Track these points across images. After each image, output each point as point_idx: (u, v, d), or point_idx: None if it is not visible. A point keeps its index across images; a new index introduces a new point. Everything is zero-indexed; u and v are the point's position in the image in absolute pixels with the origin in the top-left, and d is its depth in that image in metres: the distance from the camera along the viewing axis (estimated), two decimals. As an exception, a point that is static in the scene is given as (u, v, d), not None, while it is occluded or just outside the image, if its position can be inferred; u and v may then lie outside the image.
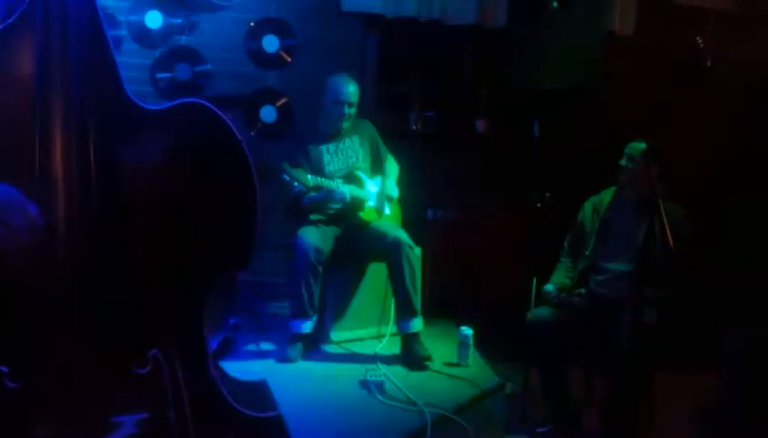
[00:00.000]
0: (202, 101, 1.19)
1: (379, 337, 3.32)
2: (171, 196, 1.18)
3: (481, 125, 4.12)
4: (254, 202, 1.21)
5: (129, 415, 1.15)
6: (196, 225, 1.21)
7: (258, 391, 1.45)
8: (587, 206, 3.10)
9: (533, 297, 3.12)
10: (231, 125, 1.20)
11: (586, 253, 3.02)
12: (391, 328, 3.29)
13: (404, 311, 3.08)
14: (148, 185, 1.17)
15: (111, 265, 1.14)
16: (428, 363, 3.02)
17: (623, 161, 2.96)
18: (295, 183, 2.91)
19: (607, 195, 3.07)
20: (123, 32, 3.39)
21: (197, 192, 1.20)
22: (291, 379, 2.83)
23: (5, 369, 1.07)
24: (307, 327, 3.06)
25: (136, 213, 1.16)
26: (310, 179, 2.96)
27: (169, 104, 1.18)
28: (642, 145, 2.90)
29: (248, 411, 1.29)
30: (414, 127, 4.04)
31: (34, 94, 1.09)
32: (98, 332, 1.13)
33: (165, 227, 1.19)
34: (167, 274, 1.19)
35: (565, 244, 3.16)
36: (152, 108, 1.17)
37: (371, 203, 3.27)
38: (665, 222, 2.42)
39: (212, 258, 1.23)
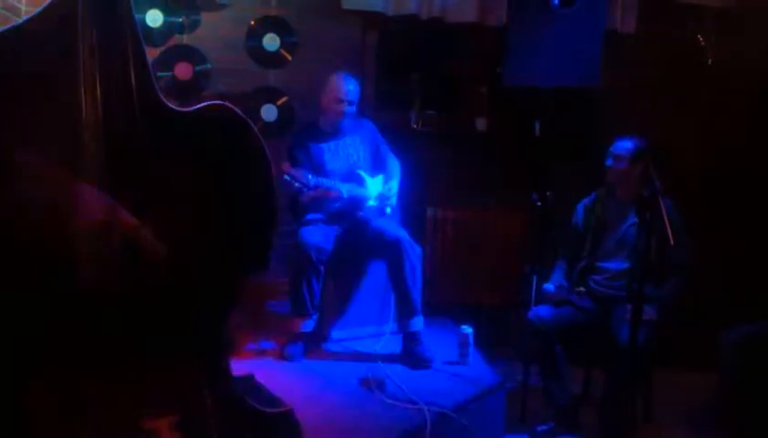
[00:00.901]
0: (227, 104, 1.20)
1: (380, 335, 3.33)
2: (202, 197, 1.19)
3: (481, 123, 4.11)
4: (275, 200, 1.22)
5: (158, 418, 1.15)
6: (225, 227, 1.22)
7: (257, 387, 1.46)
8: (580, 208, 3.11)
9: (533, 295, 3.13)
10: (254, 127, 1.21)
11: (584, 254, 3.02)
12: (392, 326, 3.30)
13: (405, 310, 3.09)
14: (179, 187, 1.18)
15: (144, 270, 1.13)
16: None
17: (608, 162, 2.97)
18: (296, 184, 2.91)
19: (599, 196, 3.08)
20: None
21: (226, 193, 1.21)
22: (291, 377, 2.84)
23: (36, 382, 1.06)
24: (308, 325, 3.07)
25: (166, 215, 1.16)
26: (311, 178, 2.96)
27: (195, 106, 1.18)
28: (628, 143, 2.91)
29: (265, 409, 1.30)
30: (414, 125, 4.04)
31: (68, 92, 1.07)
32: (129, 339, 1.13)
33: (195, 228, 1.19)
34: (195, 277, 1.20)
35: (560, 247, 3.17)
36: (181, 110, 1.17)
37: (371, 202, 3.27)
38: (665, 219, 2.42)
39: (236, 260, 1.23)
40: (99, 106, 1.09)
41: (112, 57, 1.10)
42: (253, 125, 1.21)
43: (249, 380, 1.50)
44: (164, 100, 1.15)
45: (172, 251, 1.16)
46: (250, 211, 1.23)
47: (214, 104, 1.19)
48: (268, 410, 1.33)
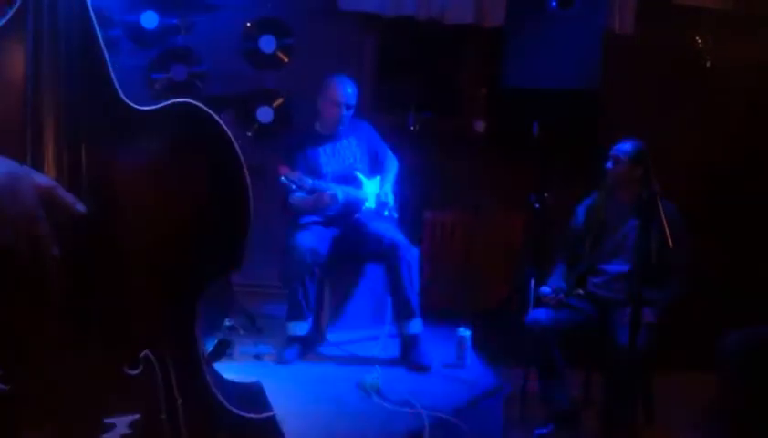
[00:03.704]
0: (194, 101, 1.19)
1: (377, 338, 3.30)
2: (163, 196, 1.18)
3: (479, 125, 4.10)
4: (247, 200, 1.21)
5: (121, 416, 1.14)
6: (188, 225, 1.20)
7: (252, 393, 1.44)
8: (580, 211, 3.10)
9: (531, 298, 3.11)
10: (222, 123, 1.20)
11: (583, 256, 3.01)
12: (389, 329, 3.27)
13: (403, 313, 3.06)
14: (140, 186, 1.17)
15: (104, 265, 1.13)
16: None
17: (609, 164, 2.95)
18: (293, 186, 2.89)
19: (598, 198, 3.06)
20: (118, 32, 3.38)
21: (189, 191, 1.20)
22: (288, 381, 2.81)
23: None
24: (304, 328, 3.04)
25: (128, 214, 1.15)
26: (308, 181, 2.94)
27: (160, 104, 1.17)
28: (627, 146, 2.90)
29: (242, 413, 1.28)
30: (412, 127, 4.02)
31: (24, 95, 1.08)
32: (90, 332, 1.13)
33: (157, 227, 1.18)
34: (159, 274, 1.19)
35: (559, 249, 3.15)
36: (144, 108, 1.16)
37: (368, 205, 3.25)
38: (664, 221, 2.40)
39: (204, 259, 1.22)
40: (56, 104, 1.08)
41: (70, 53, 1.10)
42: (220, 120, 1.20)
43: (252, 386, 1.47)
44: (125, 99, 1.14)
45: (141, 248, 1.15)
46: (220, 207, 1.22)
47: (180, 102, 1.18)
48: (245, 414, 1.30)
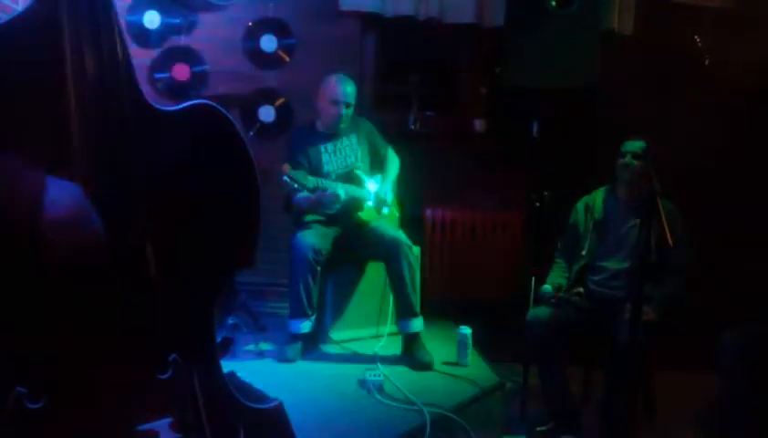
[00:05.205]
0: (211, 103, 1.21)
1: (378, 336, 3.32)
2: (183, 196, 1.21)
3: (479, 124, 4.11)
4: (258, 198, 1.24)
5: (153, 422, 1.15)
6: (206, 225, 1.23)
7: (241, 384, 1.46)
8: (580, 207, 3.10)
9: (531, 296, 3.12)
10: (236, 125, 1.23)
11: (582, 253, 3.02)
12: (390, 327, 3.29)
13: (404, 311, 3.08)
14: (164, 185, 1.19)
15: (137, 273, 1.14)
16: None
17: (626, 159, 2.95)
18: (295, 185, 2.90)
19: (598, 195, 3.07)
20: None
21: (207, 190, 1.23)
22: (290, 379, 2.83)
23: (22, 390, 1.04)
24: (306, 326, 3.06)
25: (151, 214, 1.17)
26: (311, 180, 2.96)
27: (180, 106, 1.19)
28: (641, 143, 2.90)
29: (254, 405, 1.31)
30: (413, 126, 4.03)
31: (52, 91, 1.09)
32: (121, 340, 1.13)
33: (179, 229, 1.20)
34: (183, 275, 1.21)
35: (559, 246, 3.16)
36: (165, 109, 1.18)
37: (370, 203, 3.27)
38: (664, 220, 2.41)
39: (221, 257, 1.25)
40: (86, 104, 1.10)
41: (99, 54, 1.12)
42: (235, 124, 1.23)
43: (231, 377, 1.49)
44: (148, 99, 1.16)
45: (157, 248, 1.17)
46: (234, 208, 1.25)
47: (199, 103, 1.20)
48: (258, 406, 1.33)
